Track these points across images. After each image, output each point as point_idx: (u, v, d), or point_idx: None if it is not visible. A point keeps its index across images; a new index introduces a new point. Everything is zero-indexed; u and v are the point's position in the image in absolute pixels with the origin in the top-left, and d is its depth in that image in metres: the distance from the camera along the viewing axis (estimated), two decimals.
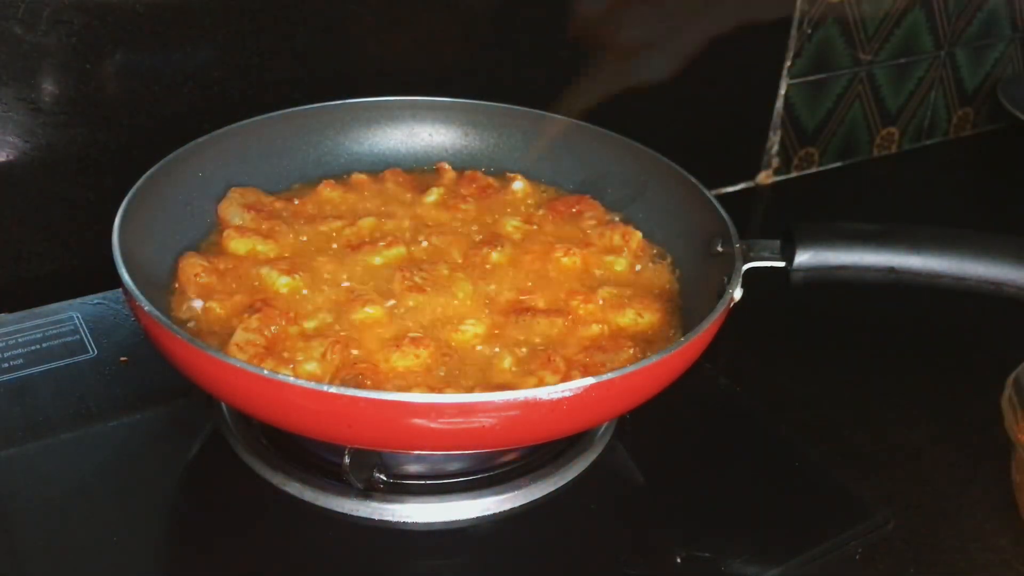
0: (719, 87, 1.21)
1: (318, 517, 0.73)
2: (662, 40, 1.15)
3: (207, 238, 0.84)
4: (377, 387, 0.69)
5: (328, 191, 0.89)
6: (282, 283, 0.78)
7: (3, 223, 0.91)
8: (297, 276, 0.78)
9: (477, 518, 0.74)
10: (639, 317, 0.78)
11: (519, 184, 0.92)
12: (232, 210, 0.84)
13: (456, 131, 0.97)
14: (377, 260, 0.81)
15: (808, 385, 0.93)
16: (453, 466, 0.75)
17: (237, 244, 0.81)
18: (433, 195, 0.90)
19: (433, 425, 0.62)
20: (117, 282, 0.69)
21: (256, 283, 0.78)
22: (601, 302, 0.79)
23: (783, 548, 0.74)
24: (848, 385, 0.94)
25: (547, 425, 0.66)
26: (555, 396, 0.63)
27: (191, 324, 0.74)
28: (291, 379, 0.63)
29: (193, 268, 0.78)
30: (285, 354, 0.71)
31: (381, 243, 0.82)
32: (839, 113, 1.32)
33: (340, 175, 0.92)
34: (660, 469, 0.81)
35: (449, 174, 0.93)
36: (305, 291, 0.78)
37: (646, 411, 0.72)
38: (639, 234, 0.87)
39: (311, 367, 0.70)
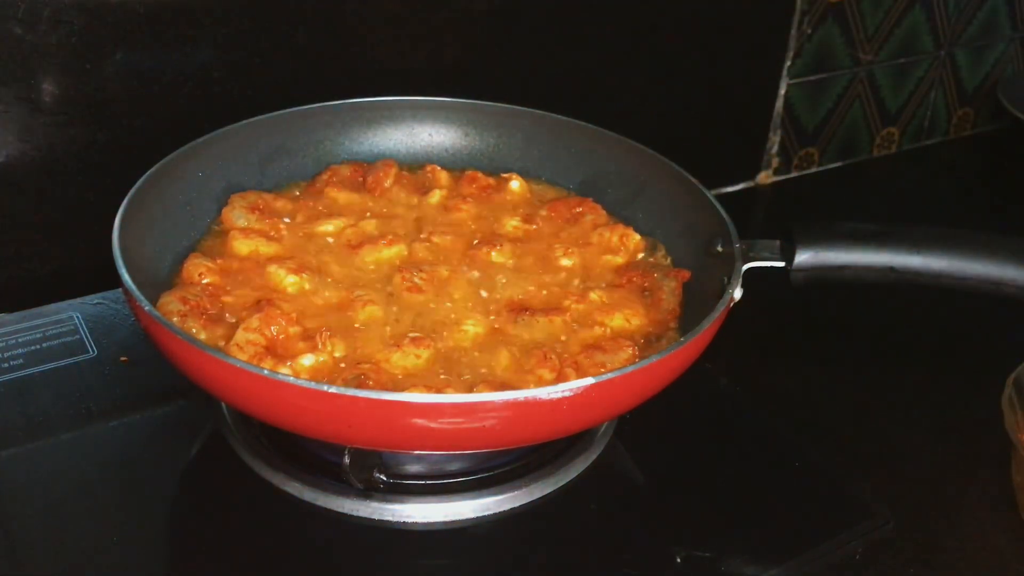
0: (719, 87, 1.21)
1: (318, 517, 0.73)
2: (662, 40, 1.15)
3: (208, 238, 0.84)
4: (378, 387, 0.69)
5: (331, 191, 0.89)
6: (289, 282, 0.78)
7: (3, 223, 0.91)
8: (304, 275, 0.78)
9: (477, 518, 0.74)
10: (627, 322, 0.78)
11: (516, 184, 0.92)
12: (236, 213, 0.84)
13: (456, 131, 0.97)
14: (378, 259, 0.81)
15: (808, 385, 0.93)
16: (453, 466, 0.75)
17: (241, 245, 0.81)
18: (435, 196, 0.90)
19: (433, 425, 0.63)
20: (117, 282, 0.69)
21: (261, 282, 0.78)
22: (590, 303, 0.79)
23: (783, 548, 0.74)
24: (848, 385, 0.94)
25: (547, 425, 0.66)
26: (555, 396, 0.63)
27: None
28: (291, 379, 0.63)
29: (197, 268, 0.78)
30: (283, 351, 0.71)
31: (382, 242, 0.83)
32: (839, 113, 1.32)
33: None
34: (660, 469, 0.81)
35: (441, 174, 0.93)
36: (308, 290, 0.78)
37: (646, 411, 0.72)
38: (637, 236, 0.87)
39: (307, 361, 0.70)
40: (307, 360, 0.70)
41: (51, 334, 0.88)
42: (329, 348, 0.72)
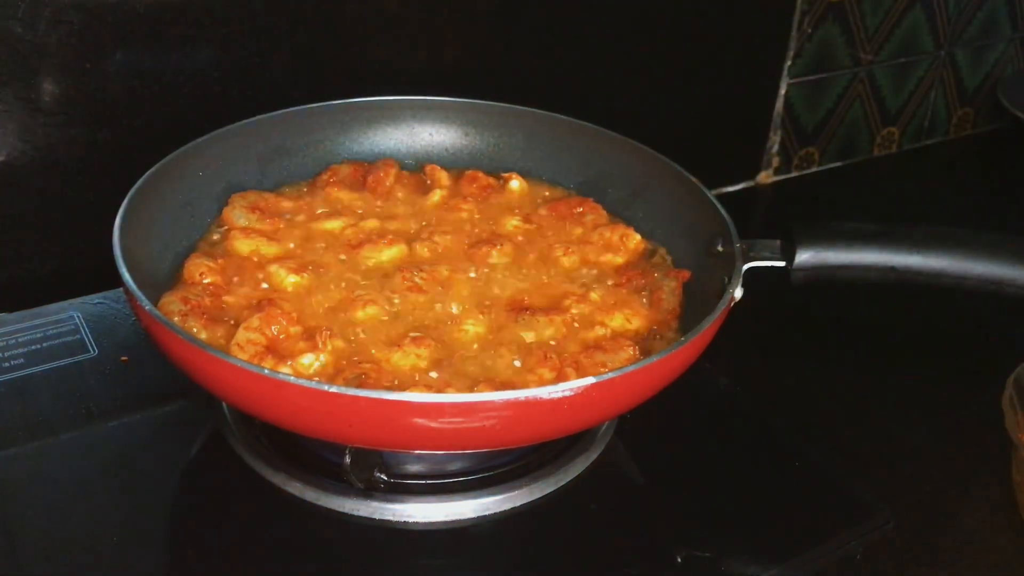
0: (719, 87, 1.21)
1: (318, 517, 0.73)
2: (662, 40, 1.15)
3: (208, 238, 0.84)
4: (379, 387, 0.69)
5: (332, 191, 0.89)
6: (290, 281, 0.78)
7: (3, 223, 0.91)
8: (306, 275, 0.78)
9: (477, 518, 0.74)
10: (627, 322, 0.78)
11: (516, 183, 0.92)
12: (236, 212, 0.84)
13: (456, 131, 0.97)
14: (378, 259, 0.81)
15: (808, 385, 0.93)
16: (453, 466, 0.75)
17: (242, 244, 0.81)
18: (436, 196, 0.90)
19: (434, 425, 0.63)
20: (117, 282, 0.69)
21: (263, 282, 0.78)
22: (589, 303, 0.79)
23: (783, 548, 0.74)
24: (848, 385, 0.94)
25: (547, 425, 0.66)
26: (555, 396, 0.63)
27: None
28: (291, 378, 0.63)
29: (198, 268, 0.78)
30: (284, 350, 0.71)
31: (383, 241, 0.83)
32: (839, 113, 1.32)
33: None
34: (660, 469, 0.81)
35: (441, 174, 0.93)
36: (309, 290, 0.78)
37: (646, 411, 0.72)
38: (638, 236, 0.87)
39: (307, 360, 0.70)
40: (307, 359, 0.70)
41: (51, 334, 0.87)
42: (329, 348, 0.72)
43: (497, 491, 0.74)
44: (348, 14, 0.97)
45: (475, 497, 0.74)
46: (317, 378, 0.70)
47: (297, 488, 0.74)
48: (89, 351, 0.86)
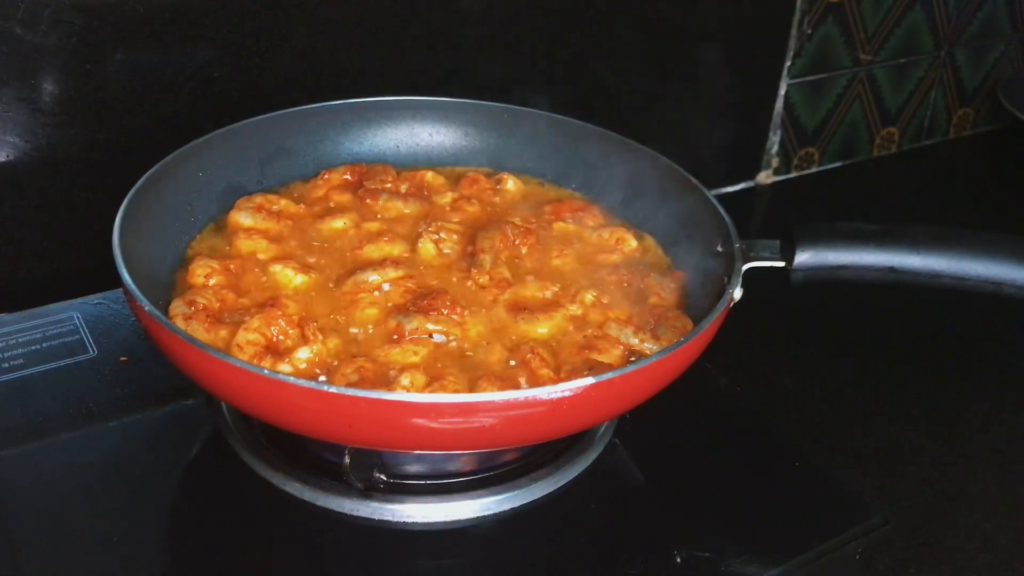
0: (719, 87, 1.21)
1: (318, 517, 0.73)
2: (663, 40, 1.15)
3: (209, 238, 0.83)
4: (377, 384, 0.69)
5: (333, 192, 0.89)
6: (293, 280, 0.78)
7: (3, 223, 0.91)
8: (313, 274, 0.78)
9: (477, 518, 0.74)
10: (625, 322, 0.78)
11: (511, 184, 0.92)
12: (242, 213, 0.84)
13: (456, 131, 0.97)
14: (380, 258, 0.81)
15: (808, 385, 0.93)
16: (453, 466, 0.75)
17: (246, 244, 0.81)
18: (447, 197, 0.90)
19: (433, 425, 0.63)
20: (117, 282, 0.69)
21: (267, 282, 0.78)
22: (587, 304, 0.79)
23: (783, 548, 0.74)
24: (848, 385, 0.94)
25: (547, 425, 0.66)
26: (555, 396, 0.63)
27: None
28: (291, 379, 0.63)
29: (203, 270, 0.78)
30: (283, 350, 0.71)
31: (383, 239, 0.83)
32: (839, 113, 1.32)
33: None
34: (660, 469, 0.81)
35: (438, 179, 0.92)
36: (312, 289, 0.78)
37: (646, 411, 0.72)
38: (634, 241, 0.86)
39: (303, 354, 0.71)
40: (303, 354, 0.70)
41: (51, 334, 0.88)
42: (320, 338, 0.72)
43: (497, 491, 0.74)
44: (348, 14, 0.97)
45: (475, 497, 0.74)
46: (317, 370, 0.70)
47: (297, 488, 0.74)
48: (89, 351, 0.86)
